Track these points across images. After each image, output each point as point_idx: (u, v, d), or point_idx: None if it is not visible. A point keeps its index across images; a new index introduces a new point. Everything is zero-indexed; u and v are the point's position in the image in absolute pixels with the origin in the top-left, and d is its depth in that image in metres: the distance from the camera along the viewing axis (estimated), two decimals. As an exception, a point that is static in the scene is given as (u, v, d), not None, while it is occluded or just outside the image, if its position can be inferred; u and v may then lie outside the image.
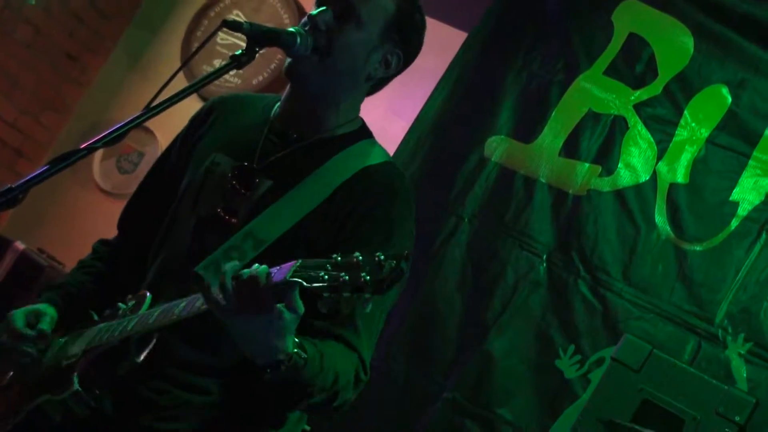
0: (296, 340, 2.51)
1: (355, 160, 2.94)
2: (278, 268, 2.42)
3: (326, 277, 2.33)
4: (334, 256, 2.35)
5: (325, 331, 2.68)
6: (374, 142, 3.02)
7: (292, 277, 2.35)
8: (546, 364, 4.76)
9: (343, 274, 2.31)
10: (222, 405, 2.81)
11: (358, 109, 3.00)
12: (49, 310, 2.91)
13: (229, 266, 2.48)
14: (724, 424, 4.05)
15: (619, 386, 4.32)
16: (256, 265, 2.43)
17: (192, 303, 2.64)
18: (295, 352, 2.50)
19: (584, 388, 4.58)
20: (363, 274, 2.30)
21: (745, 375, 4.47)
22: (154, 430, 2.76)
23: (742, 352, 4.53)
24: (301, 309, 2.41)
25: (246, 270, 2.43)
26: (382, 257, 2.31)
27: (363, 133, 2.99)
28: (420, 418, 4.92)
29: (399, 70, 3.00)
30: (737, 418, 4.13)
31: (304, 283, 2.32)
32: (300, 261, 2.39)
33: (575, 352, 4.70)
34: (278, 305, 2.41)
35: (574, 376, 4.66)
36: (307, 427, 3.04)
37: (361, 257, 2.32)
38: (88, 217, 6.26)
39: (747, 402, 4.25)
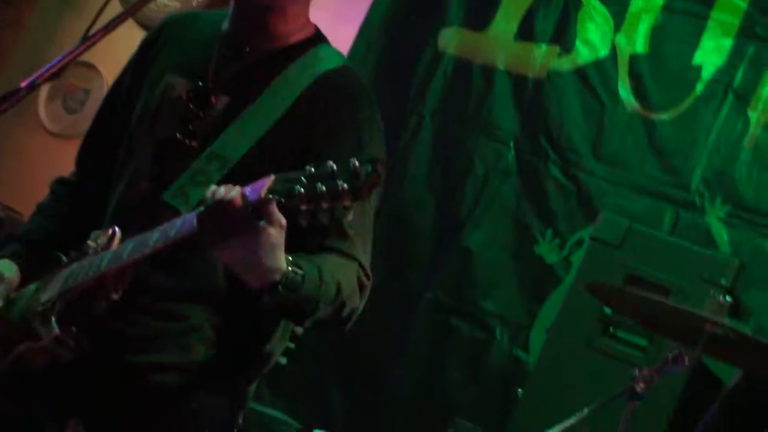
0: (290, 258, 2.44)
1: (312, 66, 2.86)
2: (251, 186, 2.31)
3: (302, 190, 2.24)
4: (308, 167, 2.26)
5: (317, 247, 2.59)
6: (329, 47, 2.92)
7: (267, 193, 2.27)
8: (526, 252, 4.80)
9: (318, 184, 2.23)
10: (201, 329, 2.68)
11: (307, 15, 2.87)
12: (8, 269, 2.85)
13: (209, 194, 2.40)
14: (710, 288, 4.02)
15: (602, 264, 4.34)
16: (228, 186, 2.38)
17: (165, 233, 2.50)
18: (290, 270, 2.43)
19: (567, 271, 4.64)
20: (340, 182, 2.23)
21: (726, 238, 4.55)
22: (139, 364, 2.67)
23: (721, 215, 4.56)
24: (284, 221, 2.33)
25: (230, 191, 2.36)
26: (357, 163, 2.22)
27: (317, 38, 2.89)
28: (404, 323, 4.96)
29: None
30: (723, 281, 4.15)
31: (282, 199, 2.25)
32: (273, 177, 2.29)
33: (554, 236, 4.75)
34: (260, 222, 2.35)
35: (555, 261, 4.71)
36: (291, 345, 3.01)
37: (335, 165, 2.23)
38: (40, 161, 6.03)
39: (731, 264, 4.32)
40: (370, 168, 2.23)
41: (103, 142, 3.01)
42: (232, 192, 2.31)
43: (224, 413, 2.76)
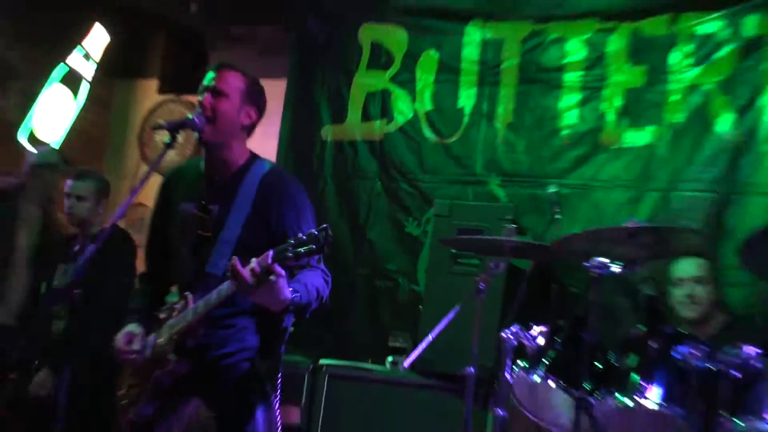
0: (290, 288, 3.09)
1: (257, 172, 3.51)
2: (264, 256, 2.98)
3: (291, 255, 2.95)
4: (290, 240, 2.97)
5: (299, 271, 3.27)
6: (263, 159, 3.57)
7: (274, 261, 2.97)
8: (402, 233, 5.92)
9: (299, 250, 2.93)
10: (245, 329, 3.43)
11: (245, 145, 3.57)
12: (137, 329, 3.46)
13: (243, 269, 3.04)
14: (503, 222, 4.81)
15: (443, 227, 5.28)
16: (253, 259, 3.01)
17: (220, 292, 3.20)
18: (293, 296, 3.09)
19: (426, 237, 5.75)
20: (311, 245, 2.93)
21: (503, 194, 5.75)
22: (216, 356, 3.39)
23: (498, 183, 5.75)
24: (283, 272, 2.98)
25: (251, 264, 2.99)
26: (316, 232, 2.94)
27: (254, 157, 3.55)
28: (350, 289, 5.94)
29: (259, 118, 3.58)
30: (508, 217, 5.08)
31: (280, 262, 2.93)
32: (272, 251, 2.99)
33: (413, 220, 5.91)
34: (271, 277, 2.97)
35: (419, 233, 5.87)
36: (292, 328, 3.62)
37: (305, 237, 2.94)
38: None
39: (509, 207, 5.37)
40: (324, 234, 2.91)
41: (157, 247, 3.70)
42: (254, 265, 3.00)
43: (272, 369, 3.48)
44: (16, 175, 5.20)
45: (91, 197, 5.19)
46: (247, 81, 3.53)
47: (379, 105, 6.14)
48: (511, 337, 3.86)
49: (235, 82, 3.48)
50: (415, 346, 4.45)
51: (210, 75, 3.48)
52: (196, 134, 3.46)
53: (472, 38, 5.97)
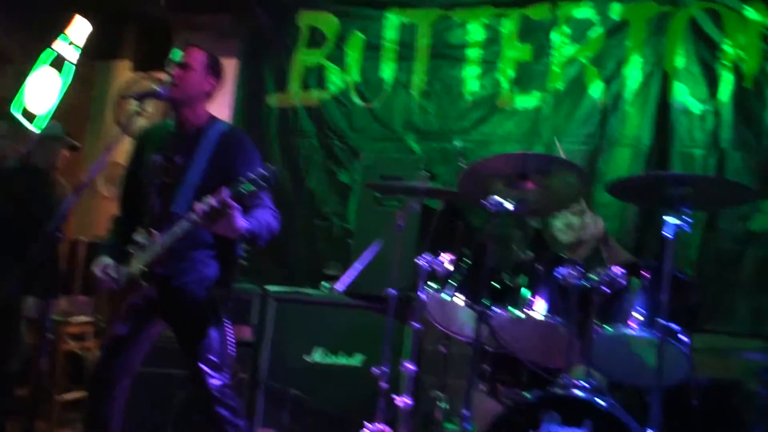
0: (245, 219, 3.14)
1: (217, 130, 3.52)
2: (219, 193, 3.03)
3: (243, 190, 3.00)
4: (241, 178, 3.00)
5: (252, 206, 3.28)
6: (221, 120, 3.58)
7: (230, 195, 3.02)
8: (336, 180, 5.84)
9: (250, 186, 2.99)
10: (202, 261, 3.42)
11: (205, 107, 3.57)
12: (109, 260, 3.43)
13: (205, 201, 3.04)
14: (418, 171, 4.67)
15: (369, 175, 5.14)
16: (209, 197, 3.03)
17: (183, 226, 3.20)
18: (246, 227, 3.15)
19: (355, 182, 5.63)
20: (262, 182, 2.99)
21: (418, 148, 5.68)
22: (178, 285, 3.38)
23: (414, 138, 5.70)
24: (238, 206, 3.04)
25: (209, 200, 3.03)
26: (263, 171, 3.02)
27: (213, 118, 3.57)
28: (295, 230, 5.81)
29: (219, 86, 3.60)
30: (422, 167, 4.92)
31: (235, 197, 3.02)
32: (227, 189, 3.03)
33: (345, 170, 5.83)
34: (228, 209, 3.03)
35: (349, 180, 5.77)
36: (243, 261, 3.64)
37: (255, 175, 3.00)
38: (99, 210, 6.27)
39: (423, 159, 5.40)
40: (271, 172, 2.99)
41: (129, 194, 3.63)
42: (211, 200, 3.02)
43: (225, 295, 3.46)
44: (24, 144, 5.07)
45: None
46: (209, 56, 3.52)
47: (316, 77, 6.06)
48: (425, 263, 3.85)
49: (199, 57, 3.46)
50: (345, 272, 4.42)
51: (178, 53, 3.47)
52: (165, 102, 3.51)
53: (392, 22, 5.90)
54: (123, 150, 3.74)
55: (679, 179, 3.11)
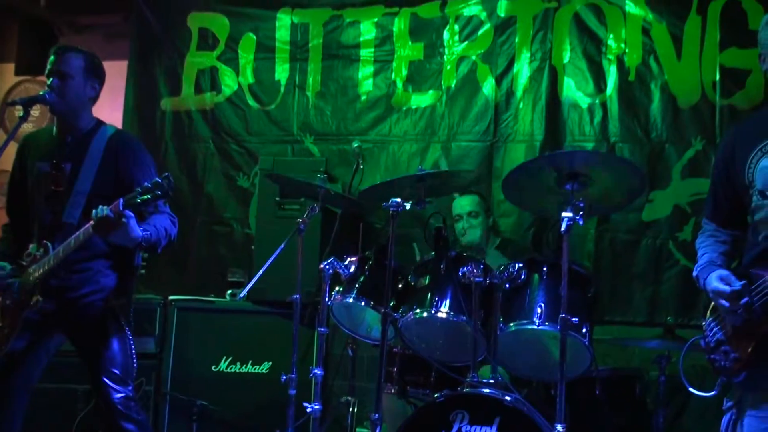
0: (141, 228, 3.16)
1: (104, 134, 3.48)
2: (113, 205, 3.01)
3: (138, 201, 2.99)
4: (137, 189, 3.01)
5: (149, 214, 3.31)
6: (108, 124, 3.57)
7: (125, 206, 3.03)
8: (235, 186, 5.78)
9: (146, 196, 2.99)
10: (99, 272, 3.39)
11: (91, 112, 3.54)
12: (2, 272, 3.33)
13: (99, 210, 3.01)
14: (317, 173, 4.81)
15: (265, 183, 5.04)
16: (102, 207, 3.02)
17: (77, 237, 3.18)
18: (143, 235, 3.17)
19: (255, 187, 5.52)
20: (158, 191, 3.00)
21: (317, 150, 5.66)
22: (75, 297, 3.32)
23: (311, 141, 5.68)
24: (133, 215, 3.05)
25: (104, 210, 3.01)
26: (160, 180, 3.01)
27: (100, 123, 3.54)
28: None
29: (101, 88, 3.53)
30: (321, 169, 5.01)
31: (130, 207, 3.01)
32: (122, 198, 3.01)
33: (243, 175, 5.73)
34: (123, 220, 3.03)
35: (248, 185, 5.72)
36: (143, 271, 3.89)
37: (150, 184, 3.00)
38: None
39: (322, 160, 5.34)
40: (167, 180, 2.99)
41: (16, 202, 3.58)
42: (105, 210, 3.01)
43: (125, 305, 3.43)
44: None
45: None
46: (86, 58, 3.42)
47: (209, 80, 5.97)
48: (328, 267, 3.84)
49: (75, 62, 3.38)
50: (249, 279, 4.30)
51: (51, 59, 3.37)
52: (48, 107, 3.40)
53: (283, 23, 5.85)
54: (9, 156, 3.62)
55: (569, 156, 3.25)
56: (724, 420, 2.73)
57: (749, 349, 2.58)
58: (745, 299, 2.54)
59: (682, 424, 4.51)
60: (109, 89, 3.67)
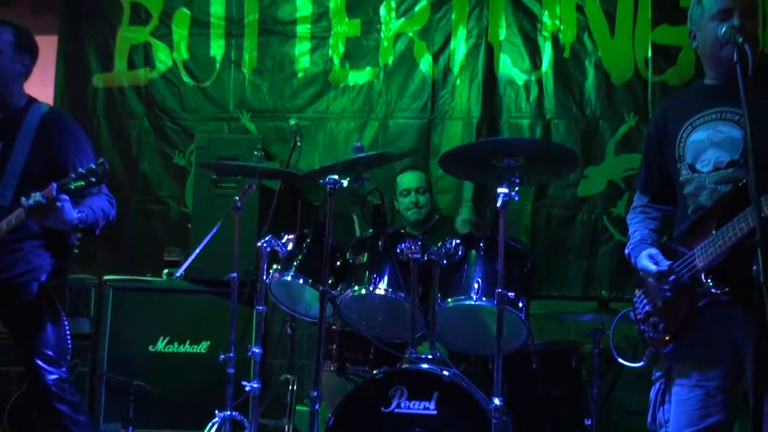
0: (76, 210, 3.13)
1: (37, 112, 3.43)
2: (46, 190, 2.98)
3: (72, 186, 2.97)
4: (72, 174, 2.99)
5: (85, 197, 3.22)
6: (41, 102, 3.52)
7: (59, 191, 3.00)
8: (171, 164, 5.68)
9: (80, 182, 2.97)
10: (32, 252, 3.34)
11: (22, 90, 3.48)
12: None
13: (32, 197, 2.98)
14: (255, 152, 4.65)
15: (206, 155, 5.02)
16: (33, 194, 2.99)
17: (9, 221, 3.18)
18: (78, 217, 3.15)
19: (191, 165, 5.51)
20: (91, 178, 2.98)
21: (254, 127, 5.59)
22: (7, 278, 3.30)
23: (248, 118, 5.60)
24: (66, 199, 3.02)
25: (36, 196, 2.98)
26: (94, 166, 3.00)
27: (32, 100, 3.49)
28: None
29: (33, 62, 3.47)
30: (256, 147, 4.95)
31: (64, 192, 2.98)
32: (55, 184, 2.97)
33: (179, 153, 5.67)
34: (56, 204, 3.00)
35: (184, 163, 5.65)
36: (76, 250, 3.63)
37: (85, 171, 2.99)
38: None
39: (258, 137, 5.31)
40: (102, 168, 2.97)
41: None
42: (42, 194, 2.97)
43: (59, 286, 3.40)
44: None
45: None
46: (15, 32, 3.35)
47: (143, 56, 5.83)
48: (266, 245, 3.79)
49: (4, 36, 3.32)
50: (186, 258, 4.26)
51: None
52: None
53: (218, -3, 5.69)
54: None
55: (506, 143, 3.24)
56: (653, 390, 2.82)
57: (677, 321, 2.65)
58: (673, 277, 2.63)
59: (616, 394, 4.60)
60: (39, 64, 3.56)
